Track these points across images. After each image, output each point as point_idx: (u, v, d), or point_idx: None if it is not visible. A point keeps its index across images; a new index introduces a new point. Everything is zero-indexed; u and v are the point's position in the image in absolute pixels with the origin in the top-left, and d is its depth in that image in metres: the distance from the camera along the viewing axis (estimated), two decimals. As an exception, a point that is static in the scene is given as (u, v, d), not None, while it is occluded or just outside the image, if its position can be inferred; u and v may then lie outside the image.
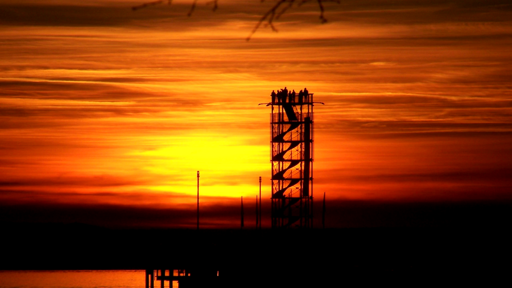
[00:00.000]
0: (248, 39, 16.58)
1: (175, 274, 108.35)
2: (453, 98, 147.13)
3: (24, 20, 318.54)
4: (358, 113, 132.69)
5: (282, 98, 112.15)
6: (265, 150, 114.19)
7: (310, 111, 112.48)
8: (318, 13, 15.24)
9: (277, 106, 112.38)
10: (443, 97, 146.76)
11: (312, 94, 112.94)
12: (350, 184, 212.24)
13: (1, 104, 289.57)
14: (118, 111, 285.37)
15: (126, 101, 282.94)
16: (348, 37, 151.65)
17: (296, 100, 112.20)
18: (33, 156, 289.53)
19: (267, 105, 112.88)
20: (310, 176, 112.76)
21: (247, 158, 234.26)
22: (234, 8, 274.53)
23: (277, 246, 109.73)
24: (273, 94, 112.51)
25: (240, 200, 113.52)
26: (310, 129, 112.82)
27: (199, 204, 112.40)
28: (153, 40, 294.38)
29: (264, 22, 14.85)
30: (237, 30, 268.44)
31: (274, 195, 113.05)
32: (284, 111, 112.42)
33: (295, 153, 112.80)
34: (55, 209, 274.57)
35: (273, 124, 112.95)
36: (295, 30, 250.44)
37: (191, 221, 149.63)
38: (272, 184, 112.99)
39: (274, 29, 15.26)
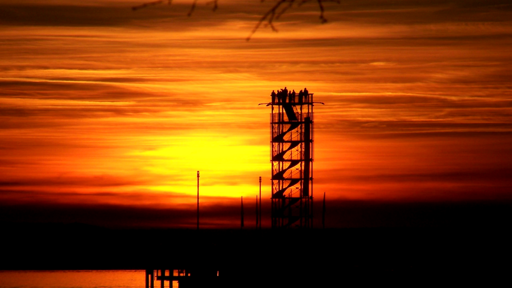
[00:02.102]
0: (248, 39, 16.60)
1: (175, 274, 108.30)
2: (453, 98, 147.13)
3: (24, 20, 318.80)
4: (358, 113, 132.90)
5: (282, 98, 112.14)
6: (265, 150, 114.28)
7: (310, 111, 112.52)
8: (318, 13, 15.25)
9: (277, 106, 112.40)
10: (443, 97, 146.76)
11: (312, 94, 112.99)
12: (350, 184, 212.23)
13: (1, 104, 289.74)
14: (118, 111, 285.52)
15: (126, 101, 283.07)
16: (348, 37, 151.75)
17: (296, 100, 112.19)
18: (33, 156, 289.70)
19: (267, 105, 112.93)
20: (310, 176, 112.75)
21: (247, 158, 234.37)
22: (234, 8, 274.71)
23: (277, 246, 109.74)
24: (273, 94, 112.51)
25: (240, 200, 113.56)
26: (310, 129, 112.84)
27: (199, 204, 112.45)
28: (153, 40, 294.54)
29: (264, 22, 14.86)
30: (237, 30, 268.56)
31: (274, 195, 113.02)
32: (284, 111, 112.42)
33: (295, 153, 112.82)
34: (55, 209, 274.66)
35: (273, 124, 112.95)
36: (295, 30, 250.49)
37: (191, 221, 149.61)
38: (272, 184, 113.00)
39: (274, 29, 15.28)
